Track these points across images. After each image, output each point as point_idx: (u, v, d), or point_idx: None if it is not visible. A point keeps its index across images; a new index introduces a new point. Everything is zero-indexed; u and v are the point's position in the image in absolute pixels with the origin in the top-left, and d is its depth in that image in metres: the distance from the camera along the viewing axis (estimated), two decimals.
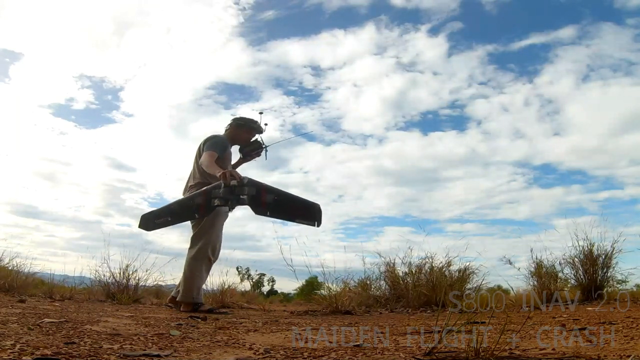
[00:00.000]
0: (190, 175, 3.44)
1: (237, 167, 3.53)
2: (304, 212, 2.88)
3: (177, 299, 3.27)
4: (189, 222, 3.36)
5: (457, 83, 22.12)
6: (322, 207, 2.75)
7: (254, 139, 3.53)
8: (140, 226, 3.07)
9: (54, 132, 24.29)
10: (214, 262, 3.30)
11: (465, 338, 1.49)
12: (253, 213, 2.85)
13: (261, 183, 2.94)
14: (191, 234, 3.32)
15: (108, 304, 3.85)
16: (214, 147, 3.25)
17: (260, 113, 3.52)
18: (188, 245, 3.28)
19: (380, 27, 21.68)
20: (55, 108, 24.06)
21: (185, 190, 3.38)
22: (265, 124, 3.52)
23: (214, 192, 2.90)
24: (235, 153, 3.58)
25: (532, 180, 21.37)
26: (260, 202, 2.85)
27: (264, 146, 3.53)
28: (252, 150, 3.55)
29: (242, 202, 2.86)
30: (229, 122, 3.53)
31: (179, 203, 3.11)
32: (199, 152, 3.37)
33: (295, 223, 2.93)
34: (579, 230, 4.14)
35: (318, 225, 2.85)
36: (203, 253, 3.18)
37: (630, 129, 20.43)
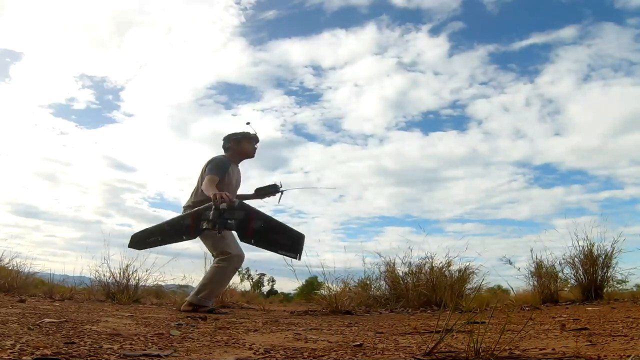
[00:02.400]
0: (193, 191, 3.46)
1: (246, 199, 3.51)
2: (287, 243, 3.03)
3: (187, 298, 3.26)
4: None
5: (458, 83, 22.02)
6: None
7: (271, 183, 3.56)
8: (130, 245, 3.12)
9: (54, 132, 24.14)
10: (239, 266, 3.36)
11: (465, 338, 1.49)
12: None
13: (251, 208, 3.00)
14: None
15: (108, 304, 3.85)
16: (214, 170, 3.28)
17: (248, 123, 3.52)
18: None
19: (382, 27, 21.58)
20: (56, 108, 23.92)
21: (185, 209, 3.40)
22: (255, 132, 3.54)
23: (205, 214, 2.93)
24: (244, 168, 3.63)
25: (533, 180, 21.28)
26: (247, 228, 2.95)
27: (280, 190, 3.54)
28: (268, 193, 3.57)
29: (229, 227, 2.90)
30: (225, 141, 3.54)
31: (169, 223, 3.13)
32: (202, 175, 3.39)
33: (277, 254, 3.06)
34: (579, 230, 4.15)
35: (299, 258, 3.02)
36: (229, 263, 3.18)
37: (631, 129, 20.38)
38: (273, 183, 3.56)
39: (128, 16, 25.19)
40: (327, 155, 24.24)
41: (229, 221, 2.85)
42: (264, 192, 3.57)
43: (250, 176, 4.27)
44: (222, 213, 2.81)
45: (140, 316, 2.55)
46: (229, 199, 2.85)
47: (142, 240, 3.10)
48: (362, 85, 23.57)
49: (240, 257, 3.24)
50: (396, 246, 5.66)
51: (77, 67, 26.45)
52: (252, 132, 3.52)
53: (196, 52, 24.75)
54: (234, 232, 3.17)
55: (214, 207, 2.83)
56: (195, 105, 23.78)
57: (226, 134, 3.56)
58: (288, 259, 3.53)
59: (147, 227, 3.17)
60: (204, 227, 2.90)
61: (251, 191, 3.65)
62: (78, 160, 25.41)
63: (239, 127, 3.59)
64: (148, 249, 3.29)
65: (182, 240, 3.19)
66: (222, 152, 3.55)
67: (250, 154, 3.56)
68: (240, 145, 3.50)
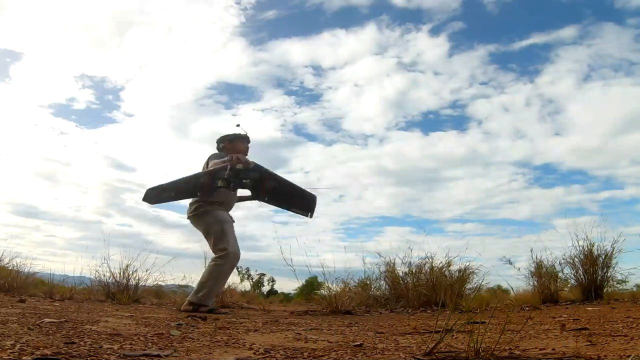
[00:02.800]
0: None
1: (243, 200, 3.65)
2: (300, 202, 3.09)
3: (187, 298, 3.29)
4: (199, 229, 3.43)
5: (458, 83, 22.01)
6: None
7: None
8: (144, 199, 3.14)
9: (54, 132, 24.12)
10: (236, 264, 3.38)
11: (465, 338, 1.49)
12: (254, 199, 3.03)
13: (266, 170, 3.08)
14: (204, 240, 3.39)
15: (108, 304, 3.85)
16: (216, 159, 3.35)
17: (237, 125, 3.63)
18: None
19: (382, 27, 21.57)
20: (56, 108, 23.91)
21: (190, 205, 3.45)
22: (245, 133, 3.65)
23: (220, 173, 2.99)
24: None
25: (533, 180, 21.27)
26: (261, 188, 3.01)
27: None
28: None
29: (244, 186, 2.98)
30: (218, 142, 3.66)
31: (184, 180, 3.17)
32: (203, 168, 3.48)
33: (290, 212, 3.14)
34: (579, 230, 4.15)
35: (310, 217, 3.07)
36: (225, 261, 3.22)
37: (631, 129, 20.40)
38: None
39: (128, 16, 25.21)
40: (327, 155, 24.24)
41: (244, 180, 2.96)
42: None
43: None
44: (238, 173, 2.93)
45: (140, 316, 2.55)
46: (245, 161, 2.94)
47: (156, 195, 3.14)
48: (362, 85, 23.58)
49: (236, 255, 3.28)
50: (396, 246, 5.65)
51: (77, 67, 26.45)
52: (242, 132, 3.63)
53: (196, 52, 24.76)
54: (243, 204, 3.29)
55: (229, 167, 2.91)
56: (195, 105, 23.78)
57: (219, 136, 3.67)
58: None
59: (162, 183, 3.21)
60: (219, 184, 2.97)
61: (248, 192, 3.69)
62: (78, 160, 25.42)
63: (232, 129, 3.68)
64: (160, 204, 3.33)
65: (195, 196, 3.23)
66: None
67: (243, 153, 3.63)
68: (234, 145, 3.60)
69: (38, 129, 25.56)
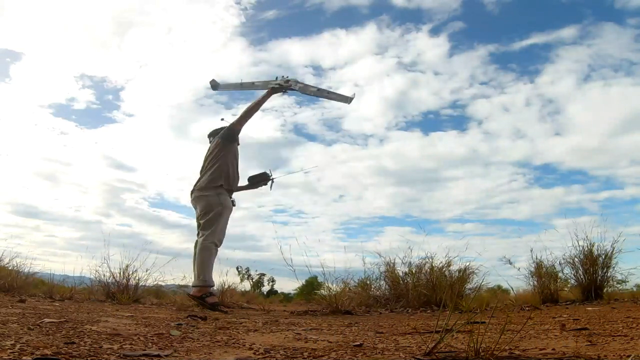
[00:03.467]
0: (203, 168, 3.76)
1: (242, 190, 3.91)
2: (341, 97, 3.90)
3: (191, 285, 3.52)
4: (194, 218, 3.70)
5: (458, 83, 22.04)
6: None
7: (262, 171, 3.97)
8: (210, 82, 4.16)
9: (54, 132, 24.13)
10: (219, 247, 3.60)
11: (465, 338, 1.49)
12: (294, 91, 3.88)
13: (307, 86, 3.93)
14: (196, 230, 3.66)
15: (108, 304, 3.84)
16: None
17: (222, 119, 4.02)
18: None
19: (382, 27, 21.61)
20: (56, 108, 23.91)
21: (198, 182, 3.68)
22: None
23: (275, 89, 3.75)
24: (243, 168, 3.96)
25: (533, 180, 21.28)
26: (306, 92, 3.86)
27: (271, 178, 3.89)
28: (259, 181, 3.90)
29: (292, 90, 3.80)
30: (209, 137, 3.96)
31: (242, 83, 4.10)
32: (211, 152, 3.76)
33: (331, 100, 4.04)
34: (579, 230, 4.14)
35: (349, 103, 3.89)
36: (210, 241, 3.48)
37: (631, 129, 20.41)
38: (263, 171, 3.91)
39: (128, 16, 25.24)
40: (327, 155, 24.24)
41: (292, 88, 3.78)
42: (256, 180, 3.89)
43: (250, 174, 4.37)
44: (285, 90, 3.79)
45: (140, 316, 2.54)
46: (294, 80, 3.79)
47: (220, 85, 4.13)
48: (362, 85, 23.57)
49: (219, 238, 3.54)
50: (396, 246, 5.64)
51: (77, 67, 26.49)
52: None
53: (196, 52, 24.78)
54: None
55: (278, 84, 3.76)
56: (195, 105, 23.79)
57: (210, 130, 3.94)
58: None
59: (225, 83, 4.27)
60: (274, 85, 3.74)
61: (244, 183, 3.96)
62: (78, 160, 25.46)
63: (219, 123, 3.99)
64: (222, 91, 4.45)
65: (253, 90, 4.06)
66: None
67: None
68: None
69: (38, 129, 25.60)
